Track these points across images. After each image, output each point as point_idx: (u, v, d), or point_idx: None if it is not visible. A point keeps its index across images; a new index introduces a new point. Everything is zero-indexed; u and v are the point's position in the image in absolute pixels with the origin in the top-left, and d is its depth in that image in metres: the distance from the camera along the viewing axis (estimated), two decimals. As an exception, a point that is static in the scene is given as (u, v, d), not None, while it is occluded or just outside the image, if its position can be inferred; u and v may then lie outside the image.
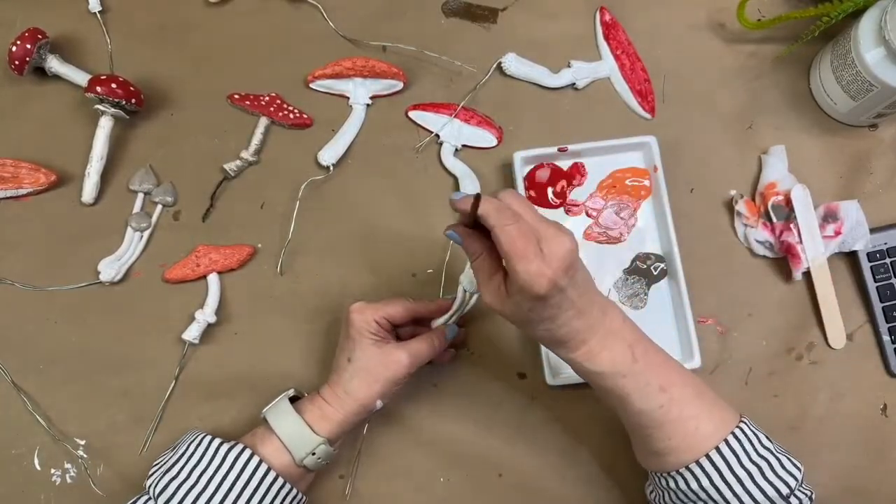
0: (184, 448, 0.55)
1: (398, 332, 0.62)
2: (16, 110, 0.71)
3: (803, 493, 0.51)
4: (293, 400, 0.58)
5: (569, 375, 0.64)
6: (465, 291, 0.58)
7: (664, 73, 0.72)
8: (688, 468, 0.50)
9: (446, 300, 0.61)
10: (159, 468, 0.55)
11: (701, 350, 0.64)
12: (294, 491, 0.56)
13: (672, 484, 0.52)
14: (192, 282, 0.67)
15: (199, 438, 0.55)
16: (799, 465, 0.52)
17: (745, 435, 0.51)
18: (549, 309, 0.47)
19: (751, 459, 0.50)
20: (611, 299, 0.56)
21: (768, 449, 0.51)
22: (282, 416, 0.56)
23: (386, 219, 0.69)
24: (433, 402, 0.65)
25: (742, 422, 0.52)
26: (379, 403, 0.57)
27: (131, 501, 0.54)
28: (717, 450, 0.50)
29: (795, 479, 0.50)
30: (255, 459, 0.54)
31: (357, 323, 0.57)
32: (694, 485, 0.50)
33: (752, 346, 0.67)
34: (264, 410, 0.57)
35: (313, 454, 0.55)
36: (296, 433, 0.55)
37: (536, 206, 0.67)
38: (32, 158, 0.69)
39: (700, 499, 0.50)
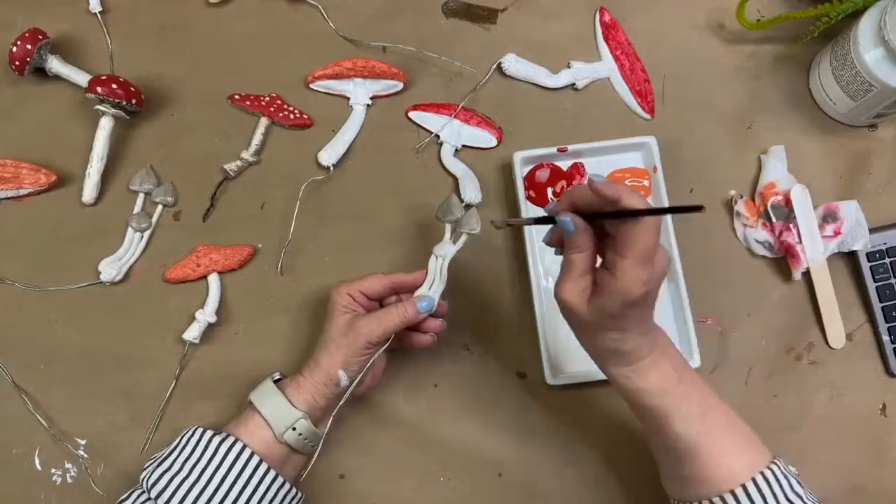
0: (177, 441, 0.56)
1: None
2: (16, 110, 0.71)
3: None
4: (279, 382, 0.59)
5: (569, 375, 0.65)
6: (436, 258, 0.59)
7: (664, 74, 0.72)
8: (711, 502, 0.49)
9: (423, 271, 0.60)
10: (154, 462, 0.56)
11: (701, 350, 0.64)
12: (284, 483, 0.55)
13: None
14: (192, 282, 0.67)
15: (192, 431, 0.56)
16: None
17: (776, 476, 0.49)
18: (628, 319, 0.46)
19: (778, 502, 0.49)
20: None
21: (798, 495, 0.50)
22: (264, 394, 0.57)
23: (386, 219, 0.69)
24: (433, 402, 0.65)
25: (774, 462, 0.50)
26: (342, 375, 0.56)
27: (126, 495, 0.54)
28: (744, 487, 0.48)
29: None
30: (247, 451, 0.54)
31: (333, 299, 0.59)
32: None
33: (752, 346, 0.67)
34: (250, 393, 0.58)
35: (294, 429, 0.56)
36: (276, 407, 0.56)
37: (536, 207, 0.68)
38: (33, 159, 0.69)
39: None
